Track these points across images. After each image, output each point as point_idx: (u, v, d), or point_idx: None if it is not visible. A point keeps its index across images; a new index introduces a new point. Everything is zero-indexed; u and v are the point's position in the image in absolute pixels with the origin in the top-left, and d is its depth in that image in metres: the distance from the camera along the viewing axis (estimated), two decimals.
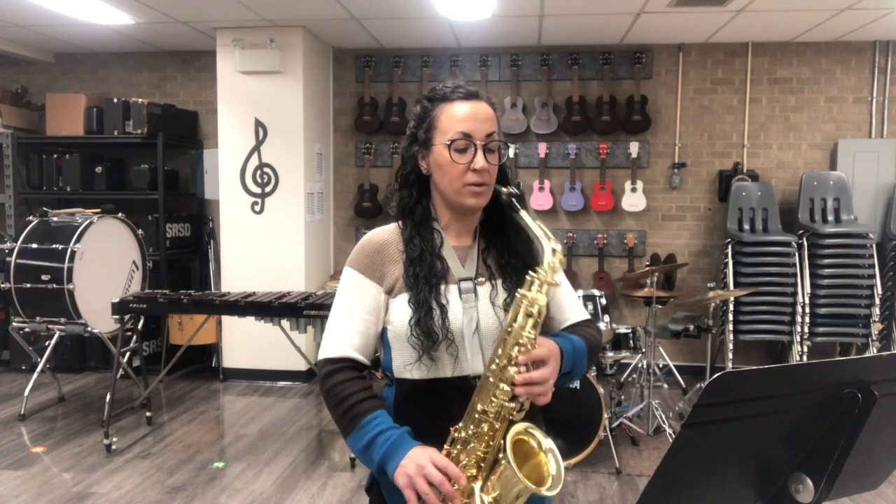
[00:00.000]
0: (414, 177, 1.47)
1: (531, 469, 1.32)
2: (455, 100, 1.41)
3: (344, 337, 1.42)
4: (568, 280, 1.60)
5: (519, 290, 1.36)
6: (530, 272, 1.36)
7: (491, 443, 1.32)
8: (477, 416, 1.32)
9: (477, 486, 1.31)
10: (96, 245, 4.59)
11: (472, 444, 1.32)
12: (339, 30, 5.38)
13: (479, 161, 1.38)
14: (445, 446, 1.33)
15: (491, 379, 1.32)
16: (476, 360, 1.39)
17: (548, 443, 1.33)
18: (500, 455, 1.31)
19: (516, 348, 1.31)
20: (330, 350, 1.43)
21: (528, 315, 1.32)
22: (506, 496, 1.30)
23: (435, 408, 1.40)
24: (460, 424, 1.34)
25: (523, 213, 1.40)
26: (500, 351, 1.33)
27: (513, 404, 1.31)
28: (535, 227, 1.38)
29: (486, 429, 1.31)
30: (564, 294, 1.54)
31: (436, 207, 1.48)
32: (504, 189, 1.41)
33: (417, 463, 1.27)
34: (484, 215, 1.50)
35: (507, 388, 1.31)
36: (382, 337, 1.46)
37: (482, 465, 1.32)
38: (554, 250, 1.36)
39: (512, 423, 1.32)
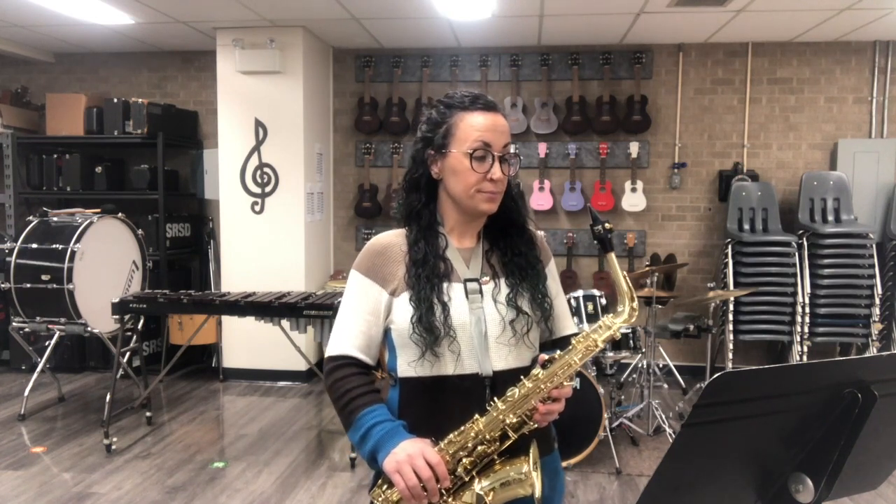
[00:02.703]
0: (424, 180, 1.49)
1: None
2: (475, 110, 1.44)
3: (347, 336, 1.48)
4: (567, 281, 1.62)
5: (588, 329, 1.40)
6: (604, 320, 1.39)
7: (482, 457, 1.36)
8: (474, 435, 1.35)
9: (476, 485, 1.34)
10: (96, 245, 4.59)
11: (462, 456, 1.35)
12: (339, 30, 5.38)
13: (497, 172, 1.42)
14: (441, 444, 1.36)
15: (504, 406, 1.35)
16: (484, 360, 1.42)
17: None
18: (499, 462, 1.37)
19: (553, 383, 1.35)
20: (333, 349, 1.49)
21: (584, 354, 1.37)
22: (498, 494, 1.34)
23: (436, 406, 1.43)
24: (456, 438, 1.36)
25: (613, 256, 1.41)
26: (541, 387, 1.35)
27: (514, 424, 1.36)
28: (622, 279, 1.40)
29: (480, 449, 1.35)
30: (561, 304, 1.59)
31: (442, 211, 1.51)
32: (598, 227, 1.42)
33: (409, 453, 1.32)
34: (488, 218, 1.52)
35: (520, 416, 1.35)
36: (387, 338, 1.49)
37: (471, 469, 1.36)
38: (633, 309, 1.39)
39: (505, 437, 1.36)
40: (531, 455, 1.34)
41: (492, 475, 1.35)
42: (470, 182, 1.43)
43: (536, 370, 1.37)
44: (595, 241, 1.43)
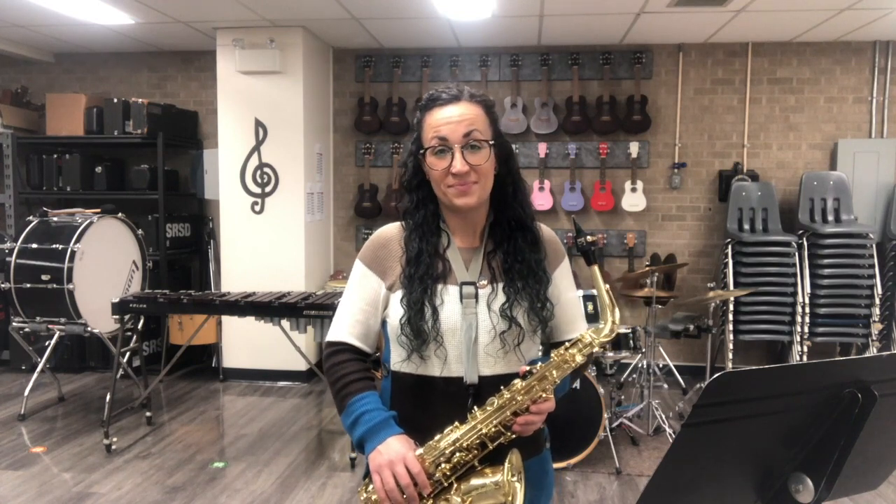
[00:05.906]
0: (417, 182, 1.49)
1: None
2: (435, 106, 1.43)
3: (346, 324, 1.50)
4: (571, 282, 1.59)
5: (567, 344, 1.37)
6: (584, 334, 1.37)
7: (462, 464, 1.34)
8: (452, 442, 1.33)
9: (455, 491, 1.33)
10: (96, 245, 4.59)
11: (441, 462, 1.34)
12: (339, 30, 5.38)
13: (457, 164, 1.38)
14: (421, 449, 1.35)
15: (481, 416, 1.34)
16: (471, 367, 1.40)
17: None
18: (480, 467, 1.35)
19: (530, 395, 1.33)
20: (332, 335, 1.53)
21: (560, 369, 1.35)
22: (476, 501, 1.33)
23: (422, 404, 1.43)
24: (435, 443, 1.35)
25: (595, 269, 1.39)
26: (518, 398, 1.33)
27: (491, 434, 1.34)
28: (605, 293, 1.38)
29: (459, 457, 1.34)
30: (574, 307, 1.56)
31: (443, 210, 1.50)
32: (581, 240, 1.39)
33: (391, 458, 1.32)
34: (494, 217, 1.50)
35: (497, 427, 1.33)
36: (383, 330, 1.51)
37: (450, 475, 1.35)
38: (614, 323, 1.37)
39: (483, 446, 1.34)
40: (507, 464, 1.32)
41: (471, 482, 1.34)
42: (437, 179, 1.42)
43: (516, 381, 1.35)
44: (578, 252, 1.41)
